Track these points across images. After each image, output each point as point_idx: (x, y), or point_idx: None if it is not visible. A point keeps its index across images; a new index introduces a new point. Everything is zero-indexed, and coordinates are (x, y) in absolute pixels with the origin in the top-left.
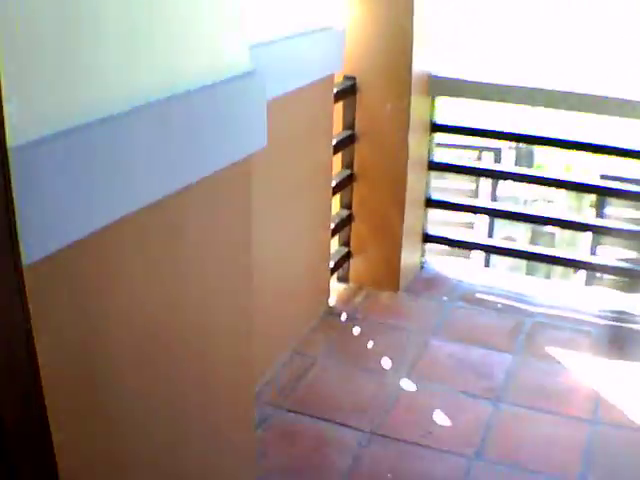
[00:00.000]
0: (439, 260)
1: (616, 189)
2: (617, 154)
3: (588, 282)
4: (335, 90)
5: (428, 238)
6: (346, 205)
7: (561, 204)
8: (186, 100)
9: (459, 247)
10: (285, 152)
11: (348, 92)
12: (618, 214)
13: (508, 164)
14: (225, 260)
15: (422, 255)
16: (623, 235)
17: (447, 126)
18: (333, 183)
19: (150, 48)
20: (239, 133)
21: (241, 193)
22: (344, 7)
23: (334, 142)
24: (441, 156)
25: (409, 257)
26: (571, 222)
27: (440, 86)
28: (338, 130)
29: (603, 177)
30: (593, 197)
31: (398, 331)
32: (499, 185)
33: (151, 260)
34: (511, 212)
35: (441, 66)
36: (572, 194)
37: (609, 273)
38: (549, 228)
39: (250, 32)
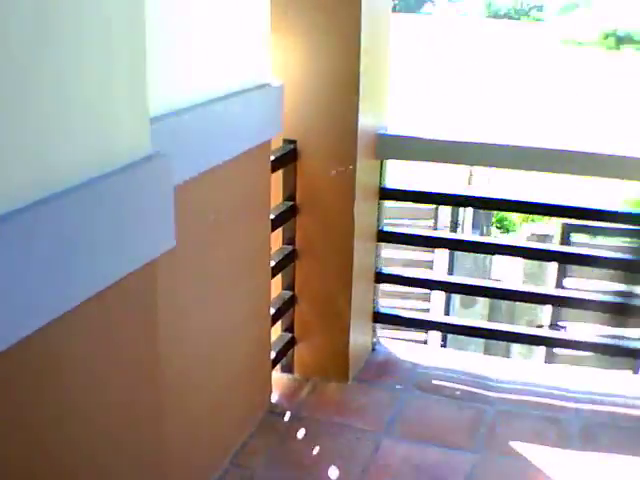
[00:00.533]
0: (391, 341)
1: (578, 254)
2: (574, 214)
3: (549, 358)
4: (273, 157)
5: (379, 317)
6: (288, 286)
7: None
8: (57, 205)
9: (413, 326)
10: (215, 233)
11: (288, 158)
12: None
13: (466, 225)
14: (126, 387)
15: (373, 336)
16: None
17: (398, 191)
18: (272, 263)
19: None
20: (136, 236)
21: (143, 305)
22: (282, 60)
23: (273, 216)
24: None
25: (359, 339)
26: (532, 294)
27: (389, 147)
28: (277, 201)
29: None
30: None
31: (347, 431)
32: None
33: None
34: (469, 285)
35: (391, 125)
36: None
37: (573, 348)
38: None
39: (160, 99)
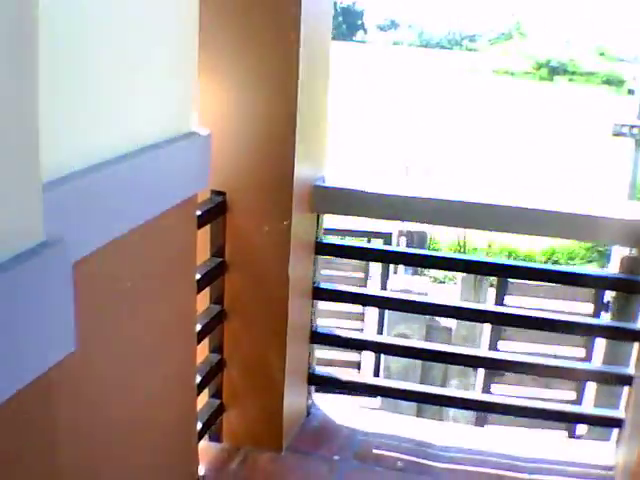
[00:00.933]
0: (327, 403)
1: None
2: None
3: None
4: (199, 212)
5: (315, 378)
6: (216, 349)
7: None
8: None
9: (351, 389)
10: (132, 301)
11: (216, 212)
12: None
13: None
14: None
15: (308, 398)
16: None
17: (335, 246)
18: (199, 326)
19: None
20: (25, 345)
21: (35, 428)
22: (209, 104)
23: (199, 275)
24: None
25: (293, 403)
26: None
27: (327, 201)
28: (204, 258)
29: None
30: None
31: None
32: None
33: None
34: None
35: (330, 174)
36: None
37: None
38: (445, 322)
39: (56, 160)
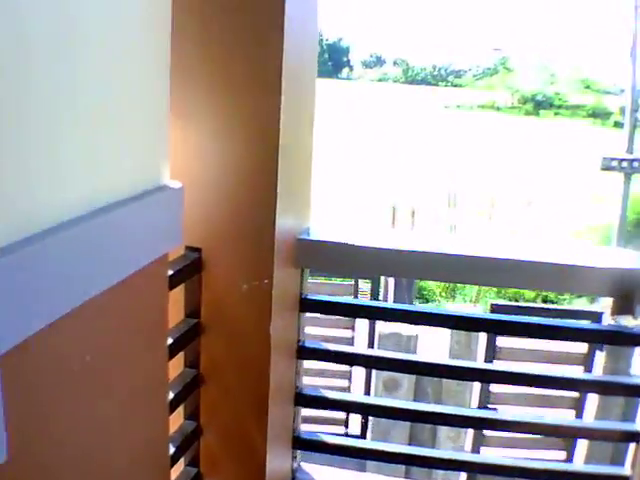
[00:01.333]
0: (314, 466)
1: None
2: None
3: (478, 440)
4: (171, 271)
5: (300, 442)
6: (192, 416)
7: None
8: None
9: (337, 452)
10: (93, 376)
11: (190, 269)
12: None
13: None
14: None
15: (293, 461)
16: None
17: (321, 302)
18: (172, 394)
19: None
20: None
21: None
22: (182, 153)
23: (172, 339)
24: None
25: (277, 468)
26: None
27: (312, 255)
28: (178, 319)
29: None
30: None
31: None
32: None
33: None
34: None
35: (316, 229)
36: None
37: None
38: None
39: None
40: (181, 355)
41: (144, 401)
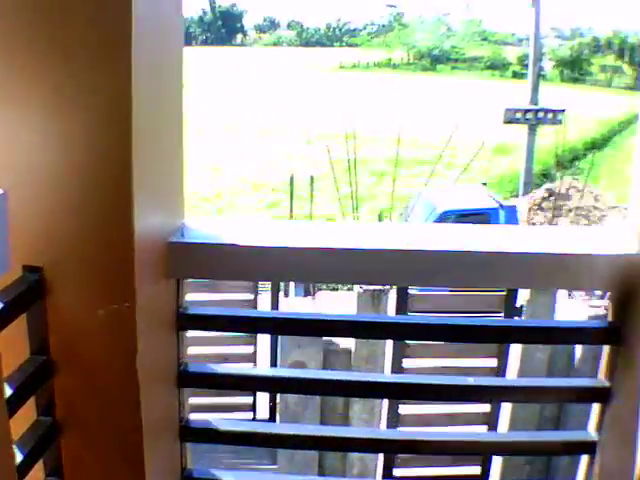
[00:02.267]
0: None
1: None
2: None
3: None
4: (5, 300)
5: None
6: (52, 472)
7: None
8: None
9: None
10: None
11: (30, 296)
12: None
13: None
14: None
15: None
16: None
17: (204, 316)
18: (21, 454)
19: None
20: None
21: None
22: (6, 155)
23: (17, 383)
24: None
25: None
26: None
27: (188, 261)
28: (23, 358)
29: None
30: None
31: None
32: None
33: None
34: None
35: (193, 228)
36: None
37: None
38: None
39: None
40: (32, 402)
41: None
